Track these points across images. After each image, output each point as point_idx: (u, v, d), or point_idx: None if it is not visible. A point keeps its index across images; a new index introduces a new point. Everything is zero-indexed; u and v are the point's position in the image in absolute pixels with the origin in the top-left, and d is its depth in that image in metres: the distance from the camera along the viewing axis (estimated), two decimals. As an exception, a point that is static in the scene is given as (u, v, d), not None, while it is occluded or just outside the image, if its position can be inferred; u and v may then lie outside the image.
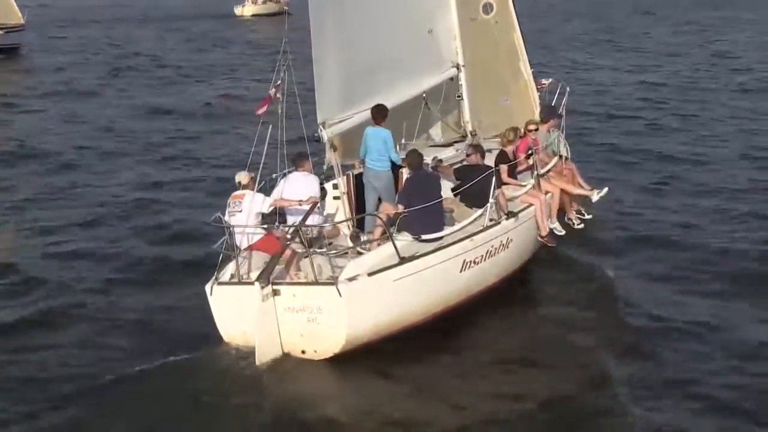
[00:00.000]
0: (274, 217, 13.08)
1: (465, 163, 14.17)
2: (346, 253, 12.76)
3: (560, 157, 15.62)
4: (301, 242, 12.22)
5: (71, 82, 37.37)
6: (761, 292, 13.88)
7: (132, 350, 12.43)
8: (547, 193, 14.45)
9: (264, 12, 74.07)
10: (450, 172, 14.01)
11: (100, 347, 12.60)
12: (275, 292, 11.81)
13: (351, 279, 11.70)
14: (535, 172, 14.41)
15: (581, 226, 15.04)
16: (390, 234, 12.09)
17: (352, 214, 13.84)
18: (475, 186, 13.22)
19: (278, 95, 12.35)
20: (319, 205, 13.05)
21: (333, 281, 11.67)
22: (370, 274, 11.79)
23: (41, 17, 61.20)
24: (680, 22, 56.92)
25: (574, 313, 13.41)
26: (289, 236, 12.15)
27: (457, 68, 16.16)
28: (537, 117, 18.14)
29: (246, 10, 75.20)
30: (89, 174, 22.25)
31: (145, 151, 25.01)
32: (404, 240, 12.35)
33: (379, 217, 12.48)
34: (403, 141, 15.29)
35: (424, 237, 12.48)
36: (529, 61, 18.25)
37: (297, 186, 13.00)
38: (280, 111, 12.34)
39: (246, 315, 11.80)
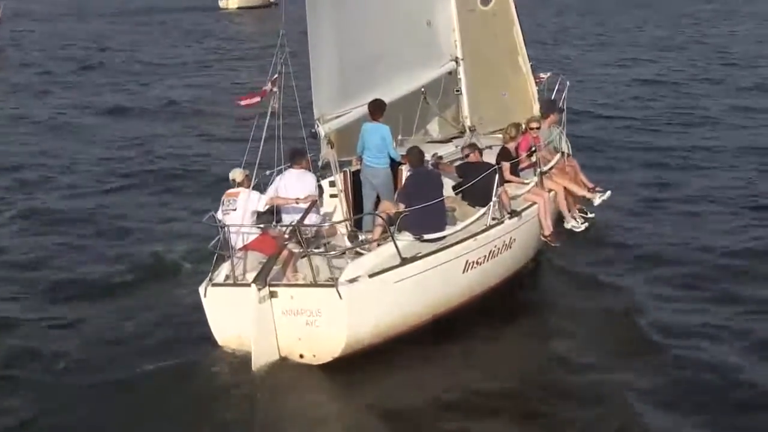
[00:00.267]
0: (270, 216, 12.87)
1: (465, 161, 13.96)
2: (344, 253, 12.58)
3: (562, 154, 15.46)
4: (299, 242, 12.00)
5: (38, 77, 36.84)
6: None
7: (121, 355, 12.20)
8: (550, 191, 14.30)
9: (250, 4, 73.56)
10: (451, 169, 13.84)
11: (88, 352, 12.37)
12: (272, 294, 11.61)
13: (351, 280, 11.51)
14: (538, 170, 14.25)
15: (585, 225, 14.85)
16: (391, 234, 11.89)
17: (350, 214, 13.62)
18: (477, 184, 13.06)
19: (275, 89, 12.11)
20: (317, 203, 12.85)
21: (333, 283, 11.48)
22: (371, 276, 11.61)
23: (16, 10, 60.54)
24: (675, 15, 56.77)
25: (575, 315, 13.31)
26: (287, 236, 11.91)
27: (456, 61, 15.98)
28: (536, 112, 18.10)
29: (231, 2, 74.65)
30: (71, 171, 21.94)
31: (126, 149, 24.70)
32: (405, 240, 12.16)
33: (381, 216, 12.28)
34: (399, 137, 15.11)
35: (426, 237, 12.28)
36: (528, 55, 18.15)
37: (294, 184, 12.80)
38: (277, 106, 12.08)
39: (241, 317, 11.58)
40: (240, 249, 12.21)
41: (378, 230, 12.59)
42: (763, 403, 10.82)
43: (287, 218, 12.79)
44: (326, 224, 13.00)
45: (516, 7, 17.73)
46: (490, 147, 15.10)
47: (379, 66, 14.17)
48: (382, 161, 13.70)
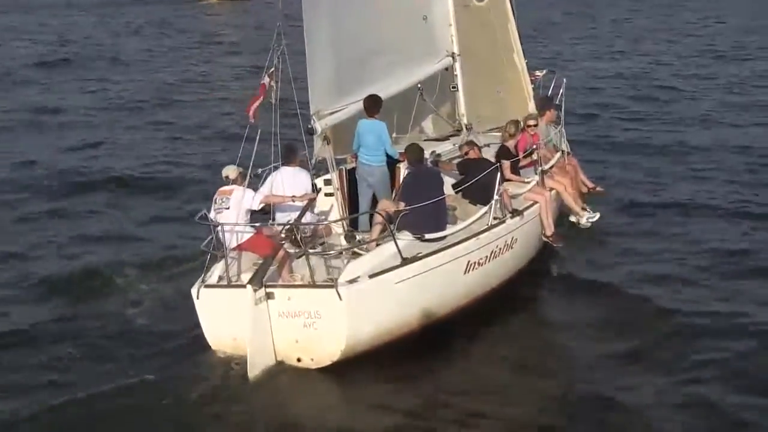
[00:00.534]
0: (264, 214, 12.67)
1: (466, 158, 13.82)
2: (341, 253, 12.40)
3: (563, 152, 15.36)
4: (295, 242, 11.80)
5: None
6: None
7: (110, 361, 11.94)
8: (551, 190, 14.18)
9: None
10: (450, 167, 13.70)
11: (75, 359, 12.10)
12: (269, 296, 11.40)
13: (351, 281, 11.33)
14: (539, 169, 14.12)
15: (592, 220, 14.74)
16: (392, 233, 11.71)
17: (346, 212, 13.43)
18: (478, 181, 12.91)
19: (272, 83, 11.91)
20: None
21: (332, 283, 11.30)
22: (371, 276, 11.43)
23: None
24: (665, 4, 56.62)
25: (576, 316, 13.20)
26: (283, 235, 11.70)
27: (453, 57, 15.85)
28: (531, 110, 18.00)
29: None
30: (55, 172, 21.56)
31: (114, 144, 24.33)
32: (405, 239, 11.99)
33: (381, 215, 12.10)
34: (394, 135, 14.96)
35: (427, 236, 12.12)
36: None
37: (289, 182, 12.60)
38: (273, 101, 11.89)
39: (236, 320, 11.37)
40: (233, 249, 12.00)
41: (377, 229, 12.41)
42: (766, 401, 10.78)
43: (282, 217, 12.59)
44: (324, 223, 12.79)
45: (511, 3, 17.63)
46: (487, 145, 14.97)
47: (375, 61, 14.04)
48: (379, 159, 13.53)
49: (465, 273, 12.43)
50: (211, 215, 12.17)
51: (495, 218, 12.90)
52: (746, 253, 15.22)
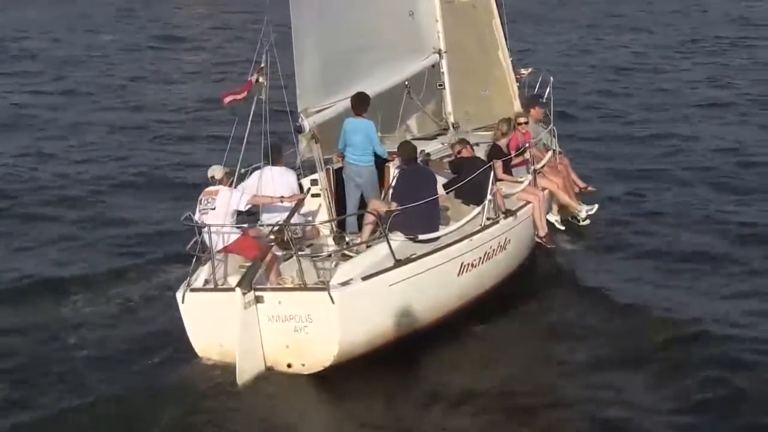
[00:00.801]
0: (250, 216, 12.47)
1: (458, 156, 13.67)
2: (330, 256, 12.22)
3: (554, 151, 15.28)
4: (284, 244, 11.61)
5: None
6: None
7: (91, 369, 11.70)
8: (543, 189, 14.09)
9: None
10: (442, 166, 13.54)
11: (56, 367, 11.82)
12: (258, 299, 11.21)
13: (344, 283, 11.17)
14: (532, 168, 14.02)
15: (591, 212, 14.67)
16: (385, 234, 11.55)
17: (335, 213, 13.24)
18: (471, 181, 12.77)
19: (261, 80, 11.71)
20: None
21: (324, 286, 11.11)
22: (364, 278, 11.27)
23: None
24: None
25: (569, 317, 13.19)
26: (273, 237, 11.49)
27: (439, 54, 15.71)
28: (516, 109, 17.92)
29: None
30: (38, 173, 21.18)
31: (92, 144, 23.84)
32: (398, 240, 11.83)
33: (373, 215, 11.93)
34: (380, 134, 14.76)
35: (420, 237, 11.96)
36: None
37: (275, 182, 12.41)
38: (263, 97, 11.70)
39: (223, 325, 11.19)
40: (219, 251, 11.80)
41: (367, 230, 12.26)
42: (762, 401, 10.76)
43: (269, 218, 12.41)
44: (315, 224, 12.62)
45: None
46: (477, 144, 14.85)
47: (363, 58, 13.88)
48: (367, 159, 13.37)
49: (459, 275, 12.32)
50: (196, 216, 11.97)
51: (488, 218, 12.79)
52: (741, 248, 15.32)
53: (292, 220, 12.01)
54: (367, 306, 11.30)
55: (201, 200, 12.10)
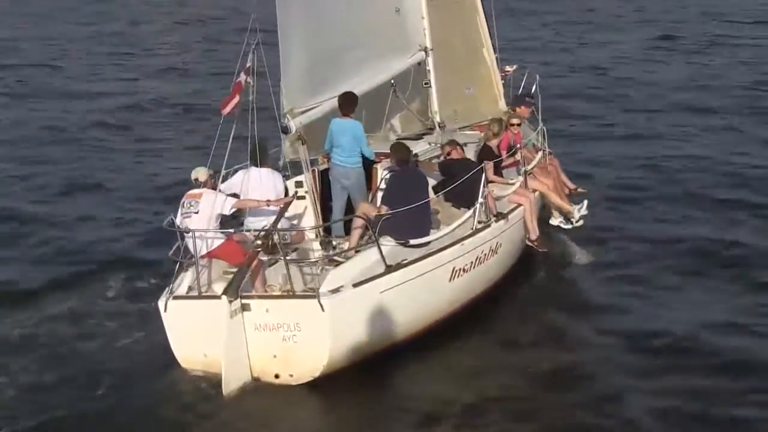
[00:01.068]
0: (233, 219, 12.28)
1: (449, 158, 13.52)
2: (316, 261, 12.06)
3: (543, 152, 15.19)
4: (270, 249, 11.42)
5: None
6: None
7: (70, 382, 11.47)
8: (534, 191, 14.00)
9: None
10: (432, 167, 13.38)
11: (33, 379, 11.60)
12: (244, 307, 11.04)
13: (334, 290, 11.02)
14: (523, 169, 13.92)
15: (583, 212, 14.63)
16: (376, 239, 11.40)
17: (320, 216, 13.07)
18: (462, 183, 12.62)
19: (249, 79, 11.53)
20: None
21: (313, 293, 10.95)
22: (355, 285, 11.13)
23: None
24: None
25: (560, 322, 13.15)
26: (259, 242, 11.30)
27: (425, 51, 15.59)
28: (501, 107, 17.83)
29: None
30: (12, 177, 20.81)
31: (70, 146, 23.35)
32: (388, 245, 11.70)
33: (363, 219, 11.78)
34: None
35: (411, 242, 11.83)
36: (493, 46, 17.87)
37: (262, 184, 12.21)
38: (250, 98, 11.53)
39: (208, 334, 11.01)
40: (202, 257, 11.59)
41: (356, 235, 12.10)
42: (754, 403, 10.88)
43: (254, 222, 12.22)
44: (306, 229, 12.43)
45: (481, -5, 17.46)
46: (465, 144, 14.71)
47: (349, 56, 13.78)
48: (354, 160, 13.22)
49: (450, 280, 12.21)
50: (178, 220, 11.77)
51: (479, 222, 12.67)
52: (731, 250, 15.33)
53: (280, 225, 11.88)
54: (358, 314, 11.16)
55: (183, 203, 11.88)
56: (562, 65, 32.05)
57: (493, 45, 17.85)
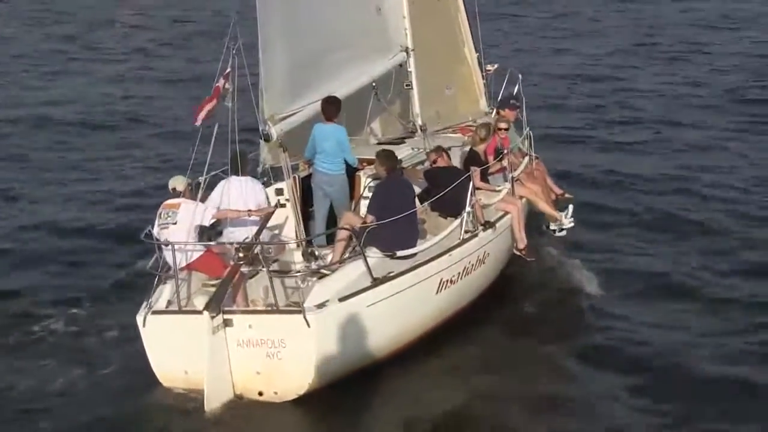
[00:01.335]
0: (211, 229, 12.16)
1: (432, 166, 13.46)
2: (298, 272, 11.98)
3: (530, 156, 15.16)
4: (252, 261, 11.33)
5: None
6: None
7: (42, 402, 11.31)
8: (521, 198, 13.97)
9: None
10: (416, 175, 13.30)
11: (5, 397, 11.47)
12: (226, 323, 10.95)
13: (320, 305, 10.96)
14: (510, 175, 13.89)
15: (563, 232, 14.65)
16: (362, 251, 11.34)
17: (302, 226, 12.96)
18: (448, 192, 12.55)
19: (228, 85, 11.41)
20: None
21: (299, 308, 10.86)
22: (341, 299, 11.08)
23: None
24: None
25: (547, 330, 13.19)
26: (241, 255, 11.20)
27: (407, 52, 15.55)
28: (482, 108, 17.80)
29: None
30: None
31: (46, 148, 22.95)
32: (374, 257, 11.64)
33: (351, 230, 11.71)
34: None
35: (399, 254, 11.77)
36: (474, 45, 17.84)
37: (242, 193, 12.08)
38: (230, 104, 11.41)
39: (189, 351, 10.94)
40: (181, 269, 11.48)
41: (340, 247, 12.02)
42: (737, 404, 11.19)
43: (233, 233, 12.09)
44: (293, 241, 12.33)
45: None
46: (449, 148, 14.67)
47: (330, 59, 13.69)
48: (338, 167, 13.13)
49: (437, 292, 12.18)
50: (155, 231, 11.64)
51: (466, 231, 12.63)
52: (718, 256, 15.46)
53: (261, 236, 11.80)
54: (345, 329, 11.10)
55: (160, 214, 11.76)
56: (544, 64, 32.10)
57: (475, 46, 17.90)
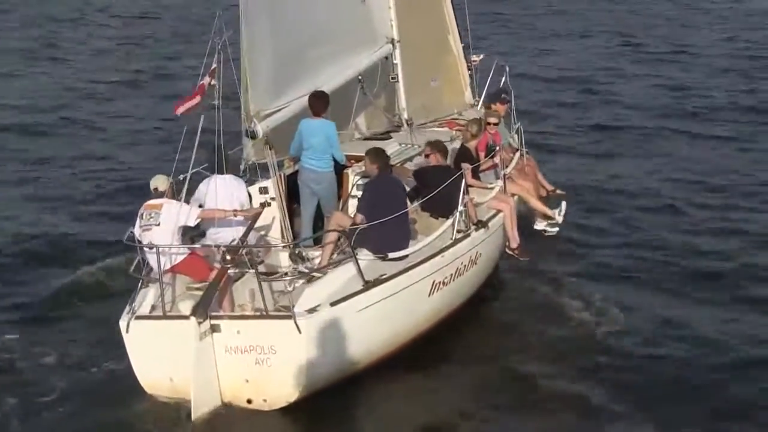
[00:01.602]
0: (195, 230, 12.07)
1: (425, 163, 13.40)
2: (286, 275, 11.88)
3: (521, 152, 15.17)
4: (239, 263, 11.25)
5: None
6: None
7: (24, 410, 11.17)
8: (513, 195, 13.97)
9: None
10: (405, 173, 13.23)
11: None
12: (213, 328, 10.85)
13: (311, 310, 10.88)
14: (502, 172, 13.87)
15: (554, 231, 14.67)
16: (354, 253, 11.29)
17: (288, 226, 12.90)
18: (440, 191, 12.49)
19: (214, 82, 11.31)
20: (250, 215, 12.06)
21: (289, 313, 10.79)
22: (332, 304, 11.01)
23: None
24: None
25: (538, 331, 13.21)
26: (228, 257, 11.11)
27: (392, 44, 15.51)
28: (468, 99, 17.80)
29: None
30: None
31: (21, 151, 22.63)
32: (365, 259, 11.60)
33: (339, 231, 11.64)
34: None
35: (391, 255, 11.73)
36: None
37: (227, 192, 11.99)
38: (216, 101, 11.32)
39: (174, 357, 10.82)
40: (165, 272, 11.36)
41: (329, 250, 11.95)
42: (725, 406, 11.31)
43: (218, 234, 12.00)
44: (285, 245, 12.24)
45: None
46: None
47: (315, 52, 13.69)
48: (326, 163, 13.03)
49: (430, 295, 12.15)
50: (136, 233, 11.52)
51: (459, 231, 12.59)
52: (711, 260, 15.53)
53: (233, 236, 11.72)
54: (336, 334, 11.03)
55: (142, 214, 11.62)
56: (531, 55, 32.22)
57: (461, 35, 17.88)
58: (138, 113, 26.07)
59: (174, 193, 11.82)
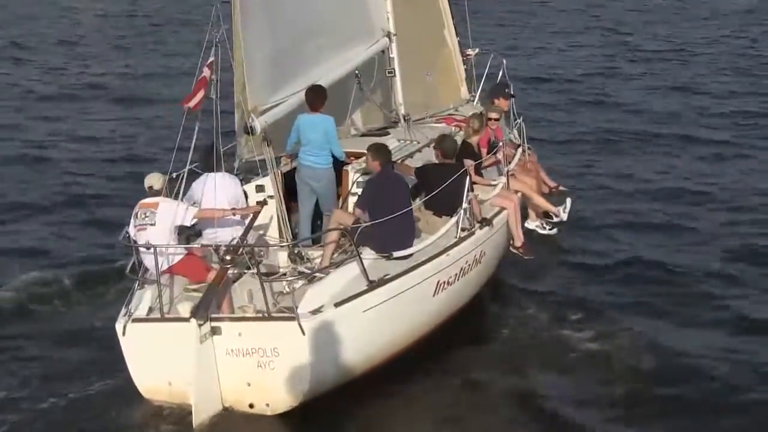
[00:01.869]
0: (190, 229, 12.04)
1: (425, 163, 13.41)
2: (287, 276, 11.83)
3: (523, 148, 15.20)
4: (241, 264, 11.24)
5: None
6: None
7: (17, 417, 11.11)
8: (516, 192, 13.99)
9: None
10: (408, 170, 13.21)
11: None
12: (214, 331, 10.82)
13: (315, 311, 10.85)
14: (505, 169, 13.89)
15: (554, 231, 14.70)
16: (357, 252, 11.27)
17: (287, 225, 12.85)
18: (443, 189, 12.48)
19: (212, 76, 11.29)
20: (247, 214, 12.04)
21: (292, 315, 10.76)
22: (336, 304, 10.98)
23: None
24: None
25: (538, 335, 13.22)
26: (228, 258, 11.08)
27: (389, 37, 15.52)
28: (463, 94, 17.84)
29: None
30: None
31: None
32: (368, 258, 11.58)
33: (344, 231, 11.62)
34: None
35: (396, 254, 11.73)
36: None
37: (223, 191, 11.95)
38: (214, 96, 11.30)
39: (173, 361, 10.79)
40: (162, 272, 11.33)
41: (330, 249, 11.93)
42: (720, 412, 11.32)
43: (215, 233, 11.97)
44: (286, 244, 12.21)
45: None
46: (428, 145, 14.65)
47: (312, 45, 13.67)
48: (325, 160, 12.99)
49: (434, 294, 12.16)
50: (131, 232, 11.49)
51: (463, 229, 12.60)
52: (711, 260, 15.60)
53: (227, 235, 11.70)
54: (341, 336, 11.00)
55: (137, 214, 11.57)
56: (526, 47, 32.33)
57: (456, 29, 17.91)
58: (132, 113, 26.10)
59: (172, 192, 11.79)
